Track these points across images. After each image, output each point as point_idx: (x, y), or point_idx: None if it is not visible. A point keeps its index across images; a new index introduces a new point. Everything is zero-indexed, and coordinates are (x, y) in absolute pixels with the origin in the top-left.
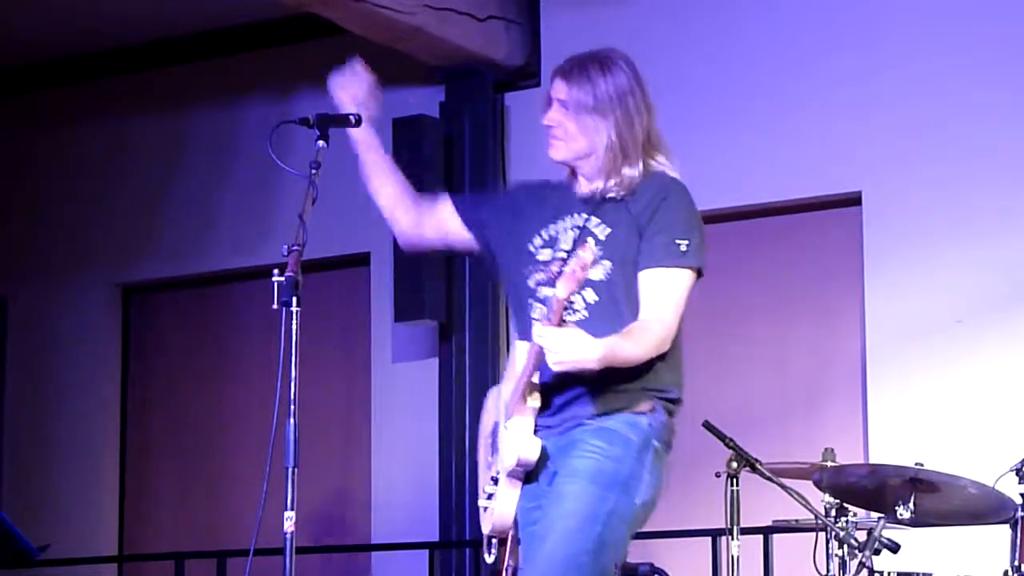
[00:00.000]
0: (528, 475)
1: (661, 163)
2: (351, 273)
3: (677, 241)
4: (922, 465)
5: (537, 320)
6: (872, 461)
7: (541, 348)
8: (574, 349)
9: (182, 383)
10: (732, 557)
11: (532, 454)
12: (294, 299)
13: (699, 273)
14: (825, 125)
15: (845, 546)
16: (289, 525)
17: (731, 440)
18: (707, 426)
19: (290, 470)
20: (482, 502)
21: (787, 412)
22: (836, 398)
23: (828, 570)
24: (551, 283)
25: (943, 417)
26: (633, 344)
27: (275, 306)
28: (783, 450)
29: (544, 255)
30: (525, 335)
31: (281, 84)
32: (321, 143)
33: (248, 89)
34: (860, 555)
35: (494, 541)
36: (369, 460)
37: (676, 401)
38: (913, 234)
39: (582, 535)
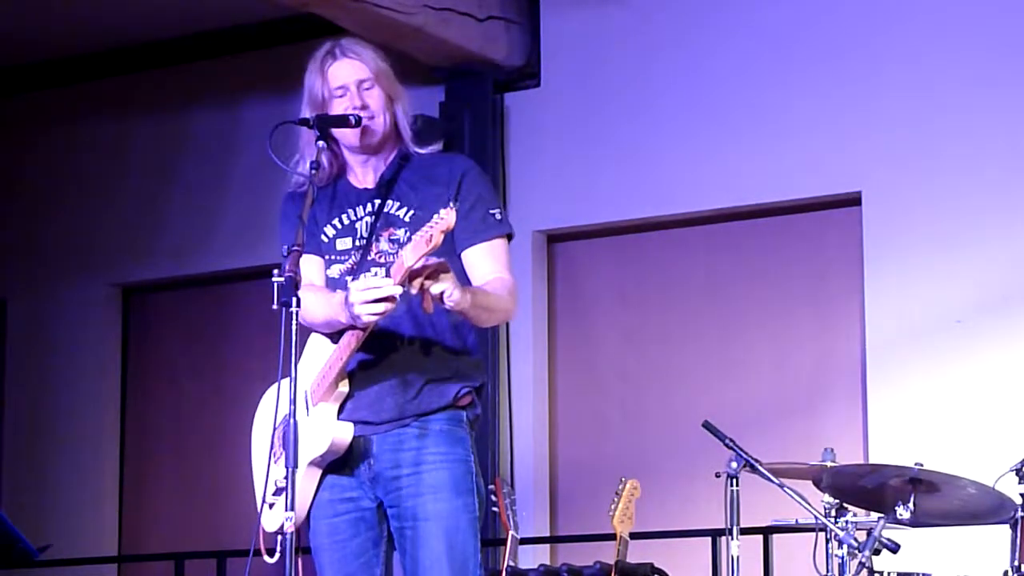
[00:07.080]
0: (334, 465)
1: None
2: None
3: (491, 212)
4: (922, 465)
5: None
6: (872, 461)
7: (360, 334)
8: (455, 281)
9: (182, 383)
10: (732, 557)
11: (346, 436)
12: (294, 299)
13: (511, 237)
14: (825, 125)
15: (845, 546)
16: (289, 525)
17: (731, 440)
18: (707, 426)
19: (290, 470)
20: (269, 498)
21: (787, 412)
22: (836, 398)
23: (828, 570)
24: (361, 269)
25: (943, 417)
26: (503, 298)
27: (275, 306)
28: (783, 450)
29: (342, 244)
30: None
31: (281, 84)
32: (321, 143)
33: (248, 89)
34: (860, 555)
35: (286, 537)
36: None
37: (481, 390)
38: (913, 234)
39: (472, 549)
